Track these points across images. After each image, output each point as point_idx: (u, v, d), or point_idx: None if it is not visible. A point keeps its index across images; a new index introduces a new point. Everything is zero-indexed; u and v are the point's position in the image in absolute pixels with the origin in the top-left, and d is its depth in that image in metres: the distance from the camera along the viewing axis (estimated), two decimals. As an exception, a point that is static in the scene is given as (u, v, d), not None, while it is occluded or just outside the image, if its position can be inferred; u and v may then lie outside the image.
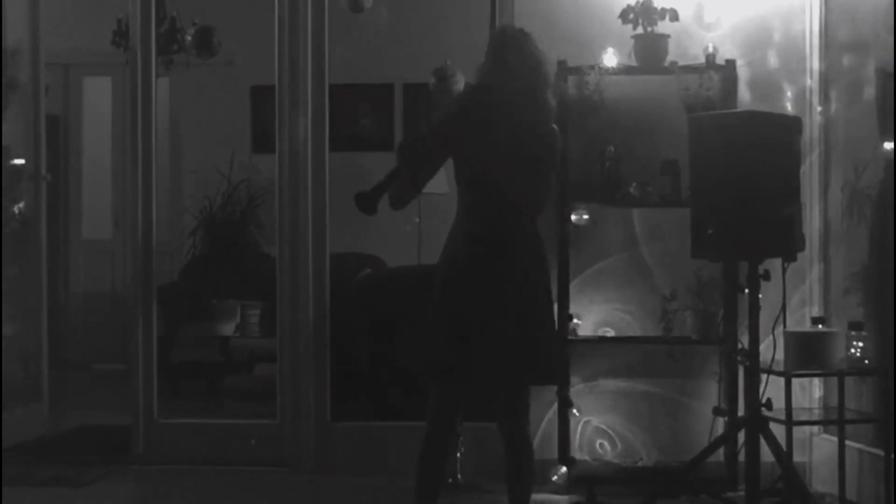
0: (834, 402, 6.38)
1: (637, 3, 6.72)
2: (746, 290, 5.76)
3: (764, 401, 5.70)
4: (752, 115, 5.96)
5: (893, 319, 5.91)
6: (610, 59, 6.75)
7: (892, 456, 5.95)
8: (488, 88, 5.03)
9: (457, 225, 5.06)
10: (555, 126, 5.13)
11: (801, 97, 6.84)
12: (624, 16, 6.73)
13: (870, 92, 6.33)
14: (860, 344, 6.24)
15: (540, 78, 5.06)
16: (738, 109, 6.57)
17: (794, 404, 6.24)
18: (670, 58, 6.75)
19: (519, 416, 5.06)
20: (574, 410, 6.83)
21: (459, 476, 6.67)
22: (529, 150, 4.97)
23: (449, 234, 5.08)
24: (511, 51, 5.04)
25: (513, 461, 5.06)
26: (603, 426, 6.97)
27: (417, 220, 9.84)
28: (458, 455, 6.65)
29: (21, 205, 8.08)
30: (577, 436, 6.93)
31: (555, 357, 5.08)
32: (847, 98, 6.63)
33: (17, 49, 8.09)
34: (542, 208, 5.08)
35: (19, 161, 8.11)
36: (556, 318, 5.13)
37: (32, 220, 8.21)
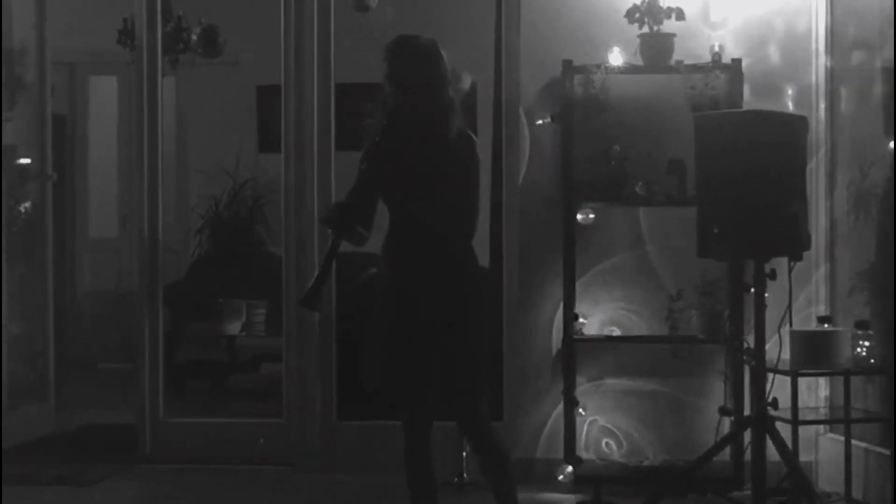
0: (840, 401, 6.38)
1: (643, 2, 6.71)
2: (752, 290, 5.76)
3: (770, 400, 5.71)
4: (757, 115, 5.95)
5: (893, 319, 5.91)
6: (616, 58, 6.75)
7: (899, 455, 5.95)
8: (390, 114, 4.88)
9: (384, 243, 4.99)
10: (468, 132, 4.93)
11: (807, 96, 6.83)
12: (630, 15, 6.73)
13: (876, 91, 6.33)
14: (866, 343, 6.23)
15: (429, 84, 4.86)
16: (744, 108, 6.57)
17: (801, 403, 6.23)
18: (676, 57, 6.74)
19: (477, 421, 4.96)
20: (580, 409, 6.82)
21: (465, 475, 6.67)
22: (437, 171, 4.83)
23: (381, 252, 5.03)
24: (401, 63, 4.87)
25: (484, 464, 5.01)
26: (609, 425, 6.96)
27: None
28: (464, 454, 6.65)
29: (27, 204, 8.10)
30: (583, 435, 6.93)
31: (479, 376, 4.93)
32: (853, 97, 6.62)
33: (24, 48, 8.11)
34: (463, 226, 4.88)
35: (25, 160, 8.13)
36: (483, 334, 4.97)
37: (38, 219, 8.22)
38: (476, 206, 4.92)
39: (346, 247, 5.00)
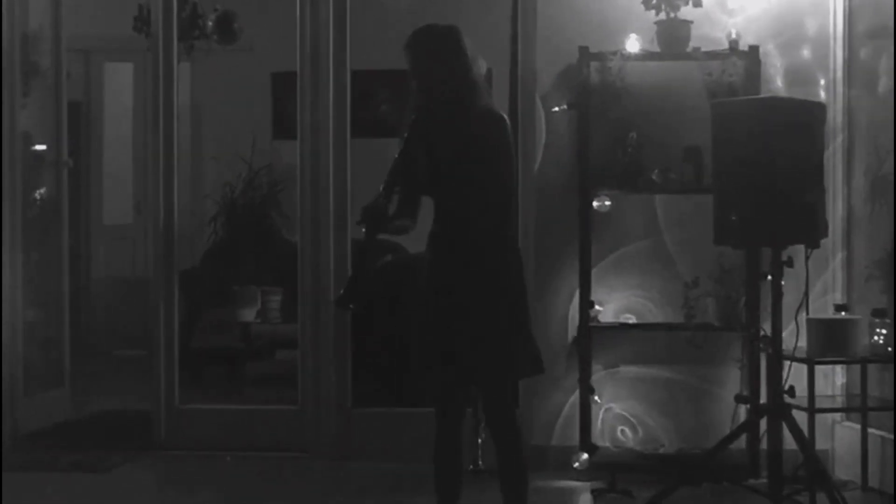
0: (856, 389, 6.37)
1: (660, -12, 6.70)
2: (769, 277, 5.74)
3: (786, 388, 5.69)
4: (775, 102, 5.93)
5: (893, 306, 5.90)
6: (632, 44, 6.73)
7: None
8: (417, 108, 4.91)
9: (430, 231, 4.98)
10: (494, 110, 4.86)
11: (824, 82, 6.80)
12: (646, 1, 6.71)
13: (893, 78, 6.29)
14: (883, 331, 6.22)
15: (450, 72, 4.86)
16: (761, 95, 6.54)
17: (817, 391, 6.23)
18: (693, 44, 6.72)
19: (499, 404, 4.91)
20: (595, 397, 6.82)
21: (480, 462, 6.67)
22: (464, 160, 4.78)
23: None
24: (419, 57, 4.91)
25: (497, 448, 4.94)
26: (624, 413, 6.96)
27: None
28: (479, 441, 6.65)
29: (42, 190, 8.11)
30: (599, 422, 6.92)
31: (513, 353, 4.84)
32: (871, 84, 6.59)
33: (39, 35, 8.10)
34: (496, 212, 4.81)
35: (41, 147, 8.14)
36: (519, 315, 4.85)
37: (54, 205, 8.24)
38: (507, 190, 4.81)
39: (363, 233, 4.98)
